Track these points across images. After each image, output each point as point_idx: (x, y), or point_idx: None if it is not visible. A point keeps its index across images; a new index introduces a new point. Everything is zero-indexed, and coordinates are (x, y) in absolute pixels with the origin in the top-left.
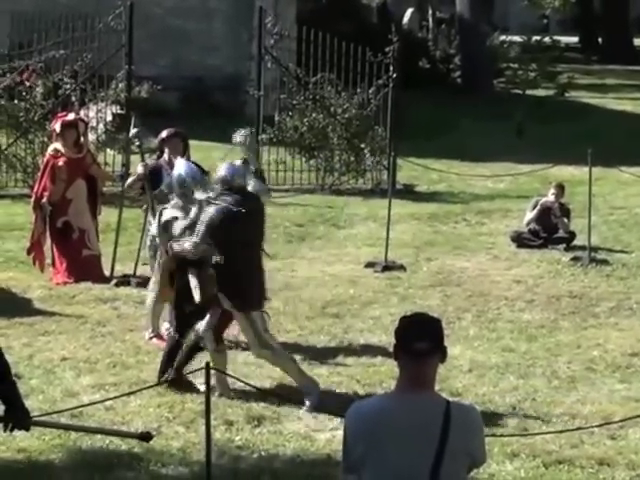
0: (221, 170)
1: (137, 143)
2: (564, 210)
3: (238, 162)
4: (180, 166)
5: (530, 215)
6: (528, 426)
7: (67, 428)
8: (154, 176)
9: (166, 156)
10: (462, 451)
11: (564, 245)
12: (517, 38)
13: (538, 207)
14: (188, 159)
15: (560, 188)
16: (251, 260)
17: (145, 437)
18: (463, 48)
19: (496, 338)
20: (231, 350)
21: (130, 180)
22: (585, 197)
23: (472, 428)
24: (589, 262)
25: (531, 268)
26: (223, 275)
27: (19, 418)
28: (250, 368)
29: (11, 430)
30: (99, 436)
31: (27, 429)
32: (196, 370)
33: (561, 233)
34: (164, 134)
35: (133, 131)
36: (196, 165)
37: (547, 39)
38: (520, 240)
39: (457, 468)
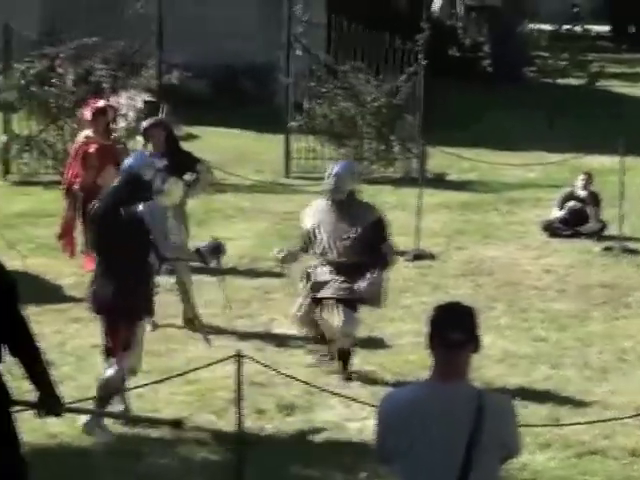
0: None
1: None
2: (594, 198)
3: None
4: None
5: (558, 214)
6: (560, 416)
7: (99, 414)
8: None
9: (150, 146)
10: (495, 442)
11: (595, 235)
12: (547, 27)
13: (566, 210)
14: (176, 149)
15: (589, 176)
16: (108, 264)
17: (177, 424)
18: (493, 36)
19: (527, 328)
20: (262, 338)
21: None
22: (616, 187)
23: (505, 418)
24: (621, 252)
25: (562, 258)
26: None
27: (52, 404)
28: (282, 356)
29: (44, 416)
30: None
31: (59, 415)
32: (227, 358)
33: (592, 223)
34: (145, 124)
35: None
36: (188, 155)
37: (578, 28)
38: (551, 229)
39: (490, 459)
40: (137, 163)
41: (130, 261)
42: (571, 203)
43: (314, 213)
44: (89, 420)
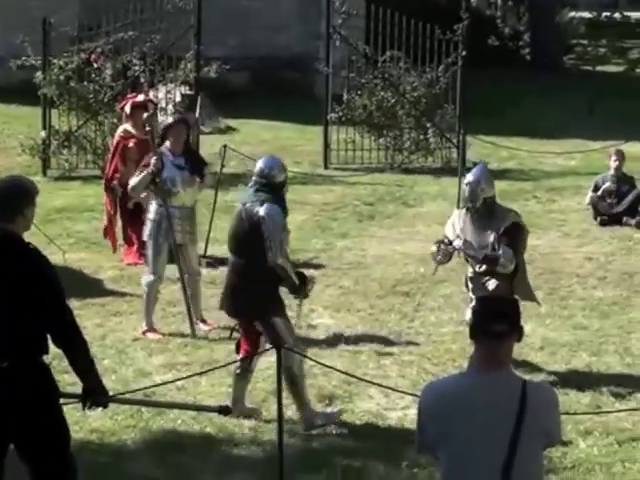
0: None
1: (147, 128)
2: (627, 179)
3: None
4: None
5: (591, 194)
6: (601, 404)
7: (145, 404)
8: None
9: (168, 143)
10: (538, 431)
11: (636, 221)
12: (586, 14)
13: (600, 192)
14: (189, 148)
15: (620, 154)
16: (234, 264)
17: (224, 411)
18: (532, 25)
19: (568, 315)
20: (301, 330)
21: (142, 175)
22: None
23: (548, 408)
24: None
25: (603, 245)
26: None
27: (97, 396)
28: (321, 347)
29: (89, 408)
30: (171, 416)
31: (105, 406)
32: (268, 349)
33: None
34: (170, 121)
35: (145, 116)
36: (199, 156)
37: (617, 15)
38: (597, 205)
39: (534, 447)
40: (269, 165)
41: (251, 262)
42: (606, 184)
43: (455, 223)
44: (308, 418)
